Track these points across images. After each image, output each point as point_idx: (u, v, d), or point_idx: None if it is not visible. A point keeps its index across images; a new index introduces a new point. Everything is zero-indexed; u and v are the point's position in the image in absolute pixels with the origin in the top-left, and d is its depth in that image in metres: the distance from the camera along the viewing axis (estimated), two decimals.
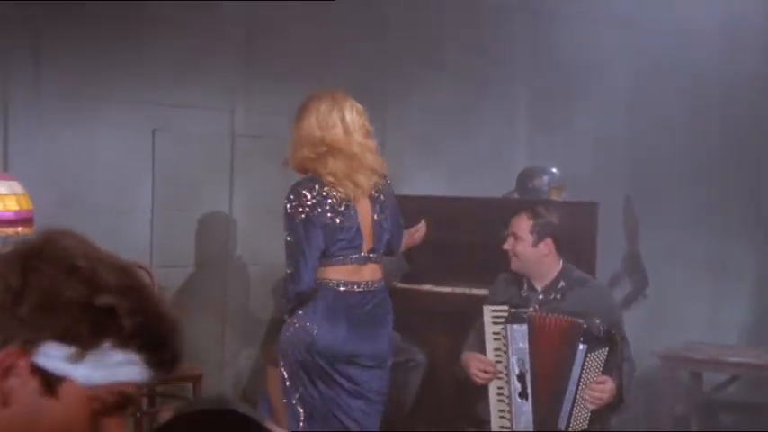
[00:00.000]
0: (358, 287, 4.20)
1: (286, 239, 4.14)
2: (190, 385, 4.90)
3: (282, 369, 4.19)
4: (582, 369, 4.19)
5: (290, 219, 4.12)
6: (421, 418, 5.18)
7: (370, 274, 4.26)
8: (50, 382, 1.41)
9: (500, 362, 4.33)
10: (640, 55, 6.94)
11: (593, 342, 4.20)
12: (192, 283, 5.57)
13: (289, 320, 4.19)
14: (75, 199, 5.22)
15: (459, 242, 5.37)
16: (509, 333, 4.26)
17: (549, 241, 4.43)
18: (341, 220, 4.16)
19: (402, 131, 6.46)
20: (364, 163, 4.22)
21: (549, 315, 4.28)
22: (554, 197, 5.50)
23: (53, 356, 1.41)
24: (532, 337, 4.24)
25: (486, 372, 4.33)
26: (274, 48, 5.68)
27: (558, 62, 6.96)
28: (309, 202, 4.10)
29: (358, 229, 4.20)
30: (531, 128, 7.10)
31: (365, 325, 4.21)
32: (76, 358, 1.41)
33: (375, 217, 4.27)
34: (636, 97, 7.19)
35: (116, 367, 1.45)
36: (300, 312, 4.17)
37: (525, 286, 4.49)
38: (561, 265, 4.48)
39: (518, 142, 7.04)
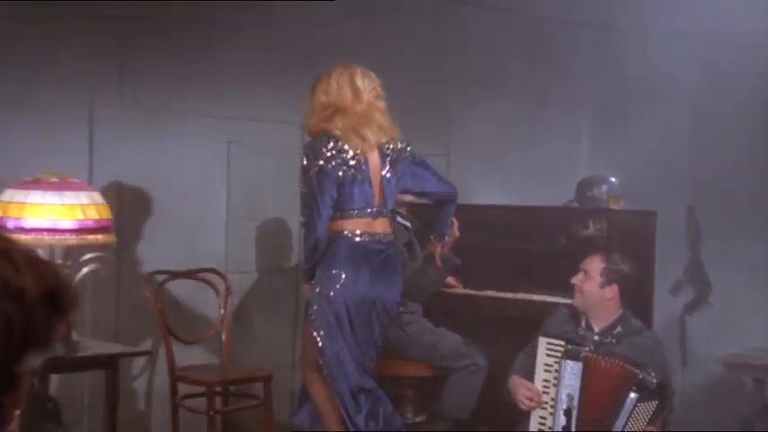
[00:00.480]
0: (371, 238, 4.45)
1: (301, 191, 4.49)
2: (260, 385, 5.08)
3: (316, 334, 4.45)
4: (629, 417, 4.31)
5: (305, 172, 4.42)
6: (482, 422, 5.26)
7: (382, 227, 4.51)
8: None
9: (546, 393, 4.47)
10: (701, 67, 6.98)
11: (645, 393, 4.31)
12: (265, 287, 5.76)
13: (312, 283, 4.48)
14: (155, 208, 5.45)
15: (521, 250, 5.48)
16: (563, 368, 4.39)
17: (615, 287, 4.60)
18: (353, 174, 4.41)
19: (466, 143, 6.60)
20: (372, 119, 4.50)
21: (606, 358, 4.40)
22: (612, 206, 5.58)
23: None
24: (585, 376, 4.38)
25: (531, 399, 4.47)
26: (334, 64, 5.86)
27: (619, 74, 7.03)
28: (324, 156, 4.38)
29: (370, 184, 4.45)
30: (593, 139, 7.18)
31: (383, 271, 4.47)
32: None
33: (384, 173, 4.51)
34: (696, 109, 7.23)
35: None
36: (323, 265, 4.43)
37: (583, 324, 4.62)
38: (620, 312, 4.63)
39: (580, 153, 7.12)
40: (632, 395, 4.30)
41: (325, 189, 4.41)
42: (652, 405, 4.30)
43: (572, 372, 4.38)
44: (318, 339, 4.49)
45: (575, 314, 4.68)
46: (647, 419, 4.30)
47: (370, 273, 4.45)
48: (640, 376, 4.30)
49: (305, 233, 4.57)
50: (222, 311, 5.29)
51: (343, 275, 4.43)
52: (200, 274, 5.33)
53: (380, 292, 4.47)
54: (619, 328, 4.59)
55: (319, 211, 4.42)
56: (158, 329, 5.13)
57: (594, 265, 4.63)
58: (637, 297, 5.11)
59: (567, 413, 4.38)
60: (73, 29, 5.16)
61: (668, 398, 4.37)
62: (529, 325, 4.89)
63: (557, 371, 4.44)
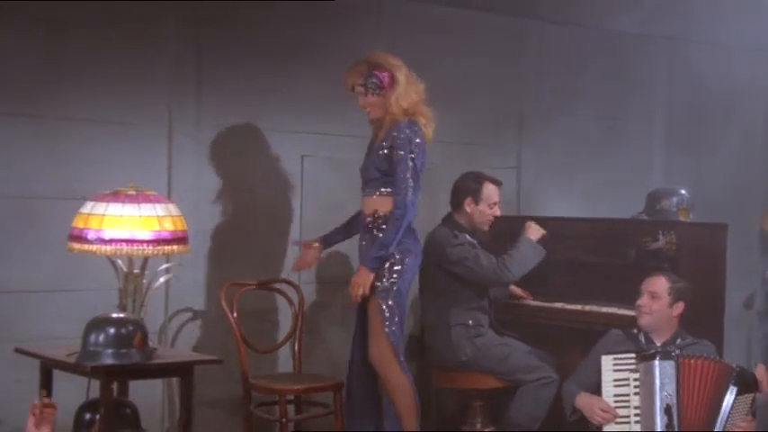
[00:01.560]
0: None
1: (409, 158, 4.70)
2: (331, 394, 5.13)
3: (386, 308, 4.73)
4: (731, 410, 4.36)
5: (416, 146, 4.74)
6: None
7: None
8: None
9: (626, 406, 4.47)
10: None
11: (742, 386, 4.35)
12: (336, 298, 5.82)
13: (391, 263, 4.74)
14: (230, 220, 5.56)
15: (590, 262, 5.46)
16: (653, 369, 4.39)
17: (681, 304, 4.69)
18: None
19: (537, 156, 6.60)
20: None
21: (694, 356, 4.45)
22: (682, 218, 5.52)
23: None
24: (680, 374, 4.40)
25: (606, 412, 4.50)
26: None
27: (692, 87, 6.97)
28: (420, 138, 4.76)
29: None
30: (665, 151, 7.13)
31: None
32: None
33: None
34: None
35: None
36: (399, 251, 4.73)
37: (643, 341, 4.69)
38: (677, 327, 4.72)
39: (651, 165, 7.07)
40: (732, 388, 4.34)
41: (419, 171, 4.77)
42: (749, 397, 4.40)
43: (664, 371, 4.40)
44: (395, 329, 4.73)
45: (629, 335, 4.75)
46: (746, 411, 4.35)
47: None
48: (737, 369, 4.36)
49: (401, 212, 4.72)
50: (295, 321, 5.37)
51: (411, 264, 4.80)
52: (274, 285, 5.42)
53: None
54: (679, 340, 4.68)
55: (416, 192, 4.76)
56: (232, 338, 5.22)
57: (660, 285, 4.71)
58: (707, 311, 5.09)
59: (668, 411, 4.38)
60: (152, 49, 5.30)
61: (759, 390, 4.42)
62: (596, 337, 4.88)
63: (636, 379, 4.46)
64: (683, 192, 5.87)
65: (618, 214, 6.05)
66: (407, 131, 4.74)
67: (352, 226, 5.11)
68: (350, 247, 5.34)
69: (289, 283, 5.44)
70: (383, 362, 4.76)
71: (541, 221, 5.58)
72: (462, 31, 6.29)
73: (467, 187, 5.39)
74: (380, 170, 4.81)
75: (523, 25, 6.57)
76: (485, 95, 6.40)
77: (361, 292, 4.72)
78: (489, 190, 5.39)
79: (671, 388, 4.39)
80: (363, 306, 4.84)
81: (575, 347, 5.30)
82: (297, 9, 5.70)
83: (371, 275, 4.73)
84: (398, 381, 4.76)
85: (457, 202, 5.41)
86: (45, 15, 5.03)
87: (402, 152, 4.72)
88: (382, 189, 4.82)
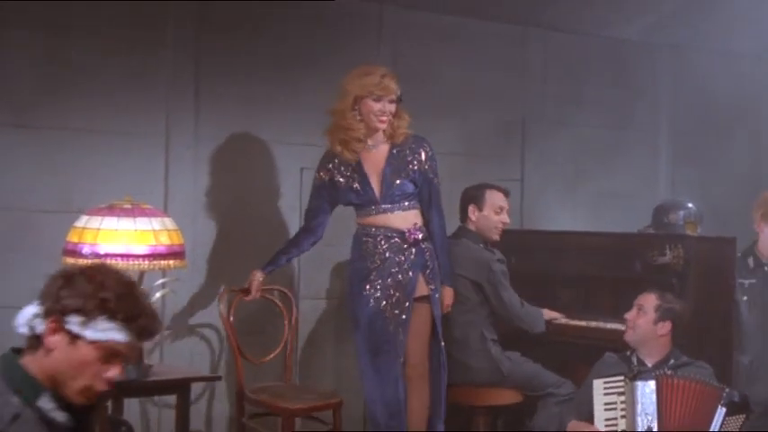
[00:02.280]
0: None
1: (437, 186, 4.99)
2: (331, 412, 5.10)
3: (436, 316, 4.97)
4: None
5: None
6: None
7: None
8: (73, 338, 2.43)
9: (615, 429, 4.45)
10: None
11: (732, 407, 4.32)
12: (337, 313, 5.80)
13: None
14: (229, 234, 5.53)
15: (595, 276, 5.43)
16: (634, 390, 4.38)
17: (668, 324, 4.66)
18: None
19: (540, 167, 6.58)
20: None
21: (678, 377, 4.42)
22: (689, 232, 5.49)
23: (83, 326, 2.43)
24: (661, 394, 4.37)
25: None
26: (415, 88, 5.88)
27: (699, 97, 6.95)
28: None
29: None
30: (673, 162, 7.10)
31: None
32: (83, 324, 2.42)
33: None
34: None
35: (108, 331, 2.43)
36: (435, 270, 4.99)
37: (635, 362, 4.68)
38: (671, 348, 4.68)
39: (660, 176, 7.05)
40: (721, 410, 4.32)
41: None
42: (740, 419, 4.36)
43: (644, 393, 4.37)
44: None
45: (623, 357, 4.74)
46: None
47: None
48: (726, 390, 4.34)
49: (443, 229, 5.02)
50: (288, 332, 5.29)
51: None
52: (268, 294, 5.33)
53: None
54: (672, 361, 4.64)
55: None
56: (229, 353, 5.18)
57: (649, 300, 4.70)
58: (715, 326, 5.06)
59: None
60: (150, 59, 5.28)
61: (752, 411, 4.39)
62: (601, 354, 4.85)
63: (623, 402, 4.43)
64: (690, 205, 5.85)
65: (623, 227, 6.02)
66: (431, 148, 4.99)
67: (298, 246, 5.10)
68: (346, 261, 5.30)
69: (283, 292, 5.40)
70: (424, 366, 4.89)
71: (545, 235, 5.55)
72: (464, 39, 6.28)
73: (469, 195, 5.39)
74: (414, 185, 4.92)
75: (526, 33, 6.55)
76: (487, 105, 6.37)
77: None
78: (492, 195, 5.37)
79: (651, 409, 4.36)
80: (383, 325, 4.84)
81: (578, 364, 5.27)
82: (297, 18, 5.68)
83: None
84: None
85: (463, 212, 5.40)
86: (41, 24, 5.01)
87: (436, 178, 5.00)
88: (414, 202, 4.95)
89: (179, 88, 5.35)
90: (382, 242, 4.87)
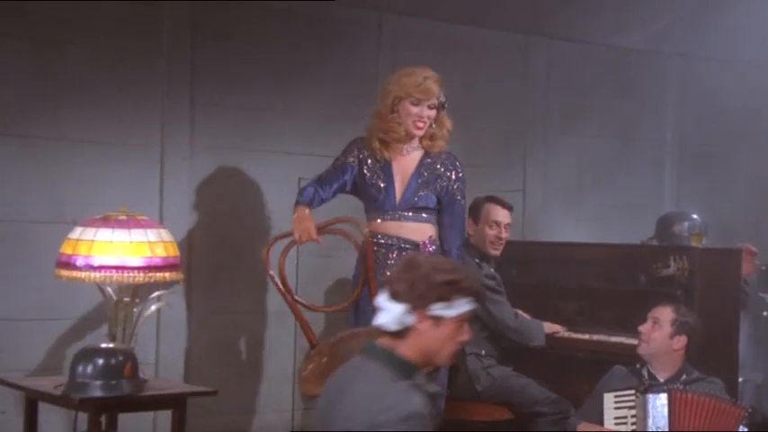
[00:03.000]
0: None
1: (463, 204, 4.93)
2: None
3: None
4: None
5: None
6: None
7: None
8: (437, 320, 3.01)
9: None
10: None
11: (754, 427, 4.33)
12: (337, 325, 5.79)
13: None
14: (225, 245, 5.54)
15: (598, 289, 5.44)
16: (645, 403, 4.39)
17: (684, 338, 4.66)
18: None
19: (544, 177, 6.59)
20: None
21: (689, 391, 4.43)
22: (694, 243, 5.49)
23: (446, 308, 3.01)
24: (672, 408, 4.39)
25: None
26: None
27: (705, 107, 6.97)
28: None
29: None
30: (679, 173, 7.12)
31: None
32: (446, 307, 3.01)
33: None
34: None
35: (463, 306, 3.02)
36: None
37: (646, 375, 4.67)
38: (683, 363, 4.69)
39: (665, 187, 7.06)
40: (743, 429, 4.33)
41: None
42: None
43: (656, 407, 4.39)
44: None
45: (633, 370, 4.74)
46: None
47: None
48: (749, 410, 4.36)
49: (461, 251, 4.96)
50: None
51: None
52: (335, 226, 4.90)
53: None
54: (684, 376, 4.65)
55: None
56: (227, 368, 5.19)
57: (665, 314, 4.69)
58: (721, 340, 5.06)
59: None
60: (145, 68, 5.30)
61: None
62: (604, 368, 4.86)
63: (633, 416, 4.44)
64: (695, 216, 5.85)
65: (628, 239, 6.04)
66: (463, 170, 4.92)
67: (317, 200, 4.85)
68: (350, 271, 5.31)
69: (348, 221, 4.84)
70: None
71: (548, 246, 5.56)
72: (465, 48, 6.30)
73: (470, 207, 5.40)
74: (438, 201, 4.85)
75: (529, 42, 6.57)
76: (489, 115, 6.39)
77: None
78: (490, 209, 5.38)
79: (662, 423, 4.37)
80: None
81: (581, 378, 5.27)
82: (294, 27, 5.70)
83: None
84: None
85: (469, 227, 5.41)
86: (35, 34, 5.03)
87: (463, 200, 4.93)
88: (431, 216, 4.86)
89: (174, 98, 5.37)
90: (394, 253, 4.72)
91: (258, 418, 5.62)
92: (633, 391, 4.49)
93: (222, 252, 5.52)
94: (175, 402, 4.48)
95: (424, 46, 6.08)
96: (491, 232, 5.36)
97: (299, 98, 5.72)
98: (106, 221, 4.55)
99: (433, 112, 4.77)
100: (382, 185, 4.77)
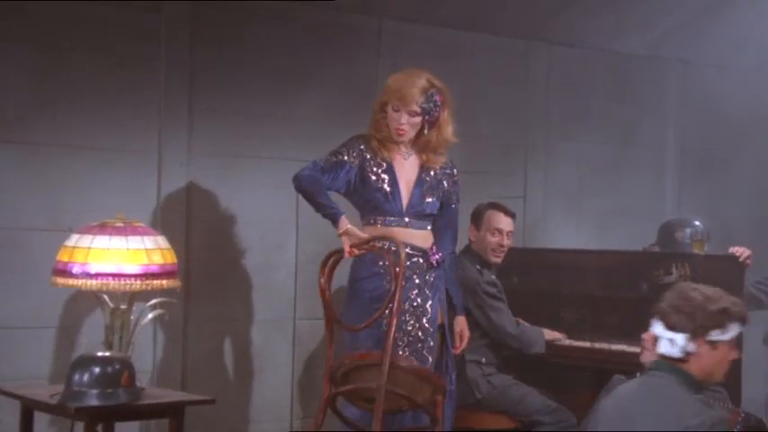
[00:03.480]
0: None
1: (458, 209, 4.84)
2: None
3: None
4: None
5: None
6: None
7: None
8: (713, 345, 3.43)
9: None
10: None
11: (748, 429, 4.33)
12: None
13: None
14: (223, 253, 5.53)
15: (599, 296, 5.45)
16: None
17: None
18: None
19: (545, 183, 6.59)
20: None
21: None
22: (696, 250, 5.49)
23: (722, 334, 3.43)
24: None
25: None
26: None
27: (707, 112, 6.97)
28: None
29: None
30: (680, 179, 7.12)
31: None
32: (722, 333, 3.43)
33: None
34: None
35: (735, 330, 3.44)
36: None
37: None
38: None
39: (666, 194, 7.06)
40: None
41: None
42: None
43: None
44: None
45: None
46: None
47: None
48: (743, 414, 4.33)
49: (455, 256, 4.92)
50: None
51: None
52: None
53: None
54: None
55: None
56: (226, 376, 5.18)
57: None
58: None
59: None
60: (142, 73, 5.30)
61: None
62: (606, 377, 4.84)
63: None
64: (697, 223, 5.84)
65: (629, 246, 6.03)
66: (458, 177, 4.89)
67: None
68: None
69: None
70: None
71: (548, 253, 5.55)
72: (465, 53, 6.30)
73: (473, 213, 5.40)
74: (438, 205, 4.76)
75: (529, 47, 6.58)
76: (489, 121, 6.40)
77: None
78: (492, 216, 5.38)
79: None
80: None
81: (582, 387, 5.28)
82: (293, 32, 5.70)
83: None
84: None
85: (469, 234, 5.42)
86: (33, 39, 5.03)
87: (458, 204, 4.87)
88: (431, 222, 4.78)
89: (172, 104, 5.37)
90: (407, 261, 4.53)
91: (256, 427, 5.62)
92: None
93: (220, 259, 5.52)
94: (172, 411, 4.48)
95: (424, 51, 6.08)
96: (493, 239, 5.36)
97: (299, 104, 5.72)
98: (103, 228, 4.55)
99: (415, 120, 4.63)
100: (388, 190, 4.66)
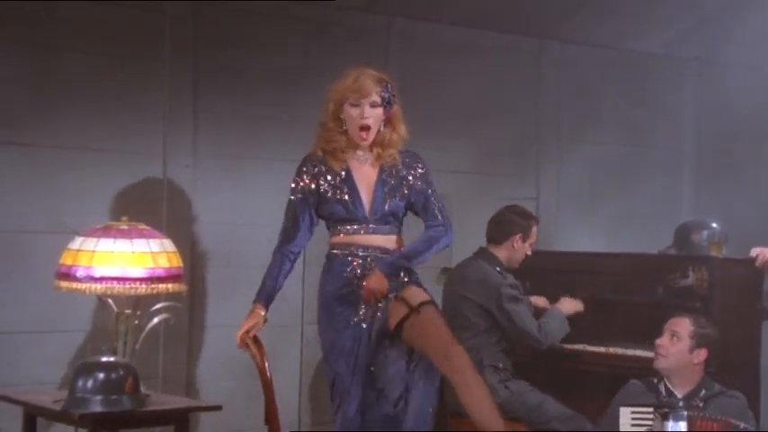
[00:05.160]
0: None
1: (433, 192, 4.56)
2: None
3: None
4: None
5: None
6: None
7: None
8: None
9: None
10: None
11: None
12: None
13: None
14: (229, 256, 5.55)
15: (614, 300, 5.45)
16: (668, 428, 4.35)
17: (704, 351, 4.64)
18: None
19: (557, 185, 6.60)
20: None
21: (711, 416, 4.41)
22: (713, 253, 5.49)
23: None
24: None
25: None
26: (425, 103, 5.92)
27: (725, 112, 6.96)
28: None
29: None
30: (697, 181, 7.12)
31: None
32: None
33: None
34: None
35: None
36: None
37: (663, 392, 4.66)
38: (702, 376, 4.67)
39: (681, 197, 7.06)
40: None
41: None
42: None
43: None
44: None
45: (650, 385, 4.72)
46: None
47: None
48: (742, 427, 4.32)
49: (446, 237, 4.56)
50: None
51: None
52: None
53: None
54: (703, 392, 4.63)
55: None
56: (231, 382, 5.19)
57: (683, 326, 4.67)
58: (741, 353, 5.06)
59: None
60: (148, 75, 5.33)
61: None
62: (621, 383, 4.85)
63: None
64: (714, 225, 5.85)
65: (644, 249, 6.03)
66: (426, 163, 4.60)
67: (279, 279, 4.67)
68: None
69: None
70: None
71: (561, 256, 5.55)
72: (476, 52, 6.31)
73: (517, 224, 5.41)
74: (407, 205, 4.58)
75: (542, 46, 6.59)
76: (500, 121, 6.40)
77: (375, 298, 4.48)
78: (535, 228, 5.45)
79: None
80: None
81: (597, 393, 5.28)
82: (300, 32, 5.72)
83: (386, 281, 4.47)
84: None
85: (502, 238, 5.40)
86: (35, 40, 5.05)
87: (430, 188, 4.57)
88: (396, 225, 4.59)
89: (177, 106, 5.39)
90: (372, 264, 4.47)
91: None
92: (652, 409, 4.46)
93: (226, 262, 5.53)
94: (178, 418, 4.49)
95: (434, 50, 6.10)
96: (529, 252, 5.42)
97: (305, 105, 5.71)
98: (107, 231, 4.55)
99: (378, 112, 4.45)
100: (347, 198, 4.50)
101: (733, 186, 7.02)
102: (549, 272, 5.72)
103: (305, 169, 4.58)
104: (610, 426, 4.65)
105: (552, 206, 6.57)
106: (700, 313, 4.90)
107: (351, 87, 4.46)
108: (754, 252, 5.21)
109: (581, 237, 6.45)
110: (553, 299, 5.54)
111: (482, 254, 5.42)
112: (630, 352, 5.22)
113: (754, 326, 5.23)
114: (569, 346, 5.43)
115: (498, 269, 5.35)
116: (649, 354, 5.02)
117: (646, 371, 4.87)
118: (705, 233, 5.82)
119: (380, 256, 4.51)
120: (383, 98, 4.46)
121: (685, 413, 4.38)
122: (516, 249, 5.41)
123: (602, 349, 5.35)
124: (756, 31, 6.50)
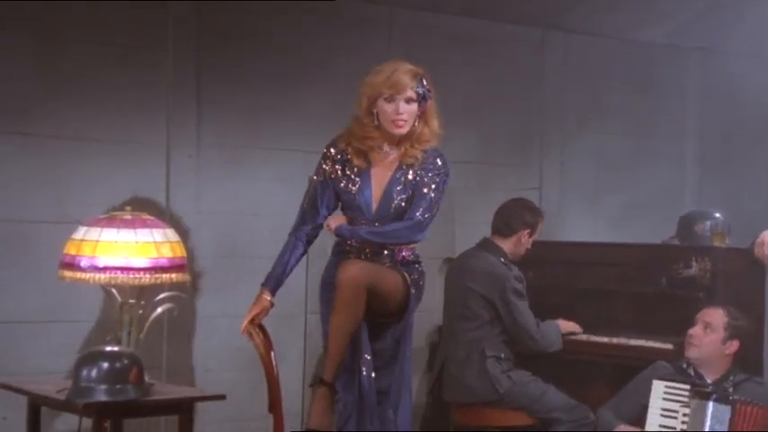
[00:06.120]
0: None
1: (441, 188, 4.44)
2: None
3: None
4: None
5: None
6: None
7: None
8: None
9: None
10: None
11: None
12: None
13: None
14: (232, 246, 5.58)
15: (617, 290, 5.48)
16: (704, 410, 4.38)
17: (736, 342, 4.70)
18: None
19: (561, 175, 6.61)
20: None
21: (752, 404, 4.45)
22: (717, 243, 5.52)
23: None
24: (734, 421, 4.40)
25: None
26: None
27: (729, 102, 6.97)
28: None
29: None
30: (701, 171, 7.13)
31: None
32: None
33: None
34: None
35: None
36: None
37: (694, 375, 4.68)
38: (731, 364, 4.72)
39: (684, 186, 7.08)
40: None
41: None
42: None
43: (717, 415, 4.40)
44: None
45: (678, 368, 4.73)
46: None
47: None
48: None
49: (423, 220, 4.40)
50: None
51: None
52: None
53: None
54: (732, 377, 4.68)
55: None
56: (235, 372, 5.21)
57: (717, 317, 4.71)
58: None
59: None
60: (151, 65, 5.34)
61: None
62: (624, 373, 4.88)
63: (685, 414, 4.45)
64: (717, 215, 5.87)
65: (647, 239, 6.05)
66: (443, 168, 4.48)
67: (290, 262, 4.65)
68: None
69: None
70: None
71: (564, 247, 5.57)
72: (479, 43, 6.32)
73: (525, 220, 5.46)
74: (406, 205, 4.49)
75: (545, 36, 6.60)
76: (503, 111, 6.42)
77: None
78: (541, 224, 5.51)
79: None
80: None
81: (600, 383, 5.31)
82: (302, 22, 5.73)
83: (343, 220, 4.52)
84: None
85: (510, 231, 5.44)
86: (39, 31, 5.07)
87: (430, 189, 4.43)
88: None
89: (180, 96, 5.41)
90: (370, 257, 4.46)
91: (267, 423, 5.62)
92: (689, 387, 4.49)
93: (230, 252, 5.56)
94: (182, 407, 4.51)
95: (437, 41, 6.11)
96: (529, 246, 5.48)
97: (308, 95, 5.75)
98: (111, 221, 4.59)
99: (412, 107, 4.38)
100: (356, 192, 4.47)
101: (736, 176, 7.04)
102: (552, 262, 5.74)
103: (332, 151, 4.53)
104: (629, 402, 4.66)
105: (555, 196, 6.59)
106: (702, 303, 4.92)
107: (386, 83, 4.37)
108: (763, 235, 5.16)
109: (584, 227, 6.47)
110: (555, 289, 5.57)
111: (486, 245, 5.45)
112: (633, 342, 5.24)
113: (757, 316, 5.24)
114: (573, 337, 5.45)
115: (503, 261, 5.37)
116: (652, 344, 5.06)
117: (649, 361, 4.90)
118: (708, 223, 5.83)
119: (379, 251, 4.49)
120: (418, 93, 4.39)
121: (732, 397, 4.42)
122: (522, 243, 5.45)
123: (605, 339, 5.37)
124: (759, 21, 6.50)
